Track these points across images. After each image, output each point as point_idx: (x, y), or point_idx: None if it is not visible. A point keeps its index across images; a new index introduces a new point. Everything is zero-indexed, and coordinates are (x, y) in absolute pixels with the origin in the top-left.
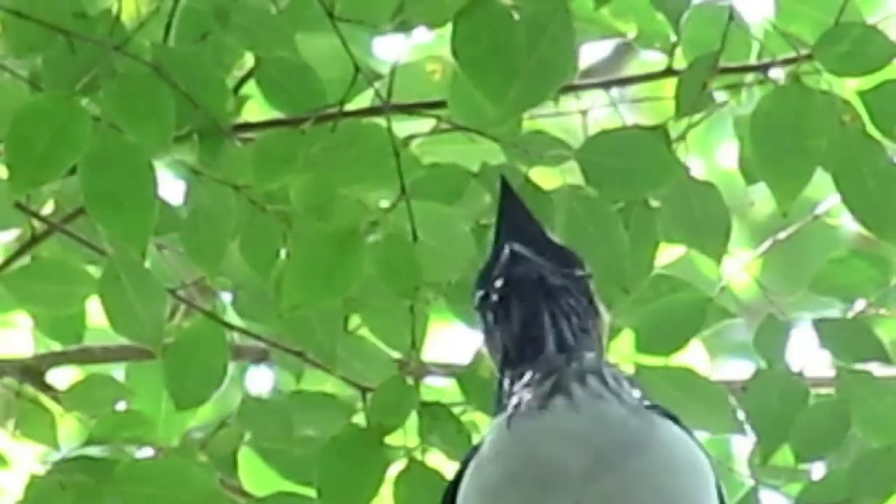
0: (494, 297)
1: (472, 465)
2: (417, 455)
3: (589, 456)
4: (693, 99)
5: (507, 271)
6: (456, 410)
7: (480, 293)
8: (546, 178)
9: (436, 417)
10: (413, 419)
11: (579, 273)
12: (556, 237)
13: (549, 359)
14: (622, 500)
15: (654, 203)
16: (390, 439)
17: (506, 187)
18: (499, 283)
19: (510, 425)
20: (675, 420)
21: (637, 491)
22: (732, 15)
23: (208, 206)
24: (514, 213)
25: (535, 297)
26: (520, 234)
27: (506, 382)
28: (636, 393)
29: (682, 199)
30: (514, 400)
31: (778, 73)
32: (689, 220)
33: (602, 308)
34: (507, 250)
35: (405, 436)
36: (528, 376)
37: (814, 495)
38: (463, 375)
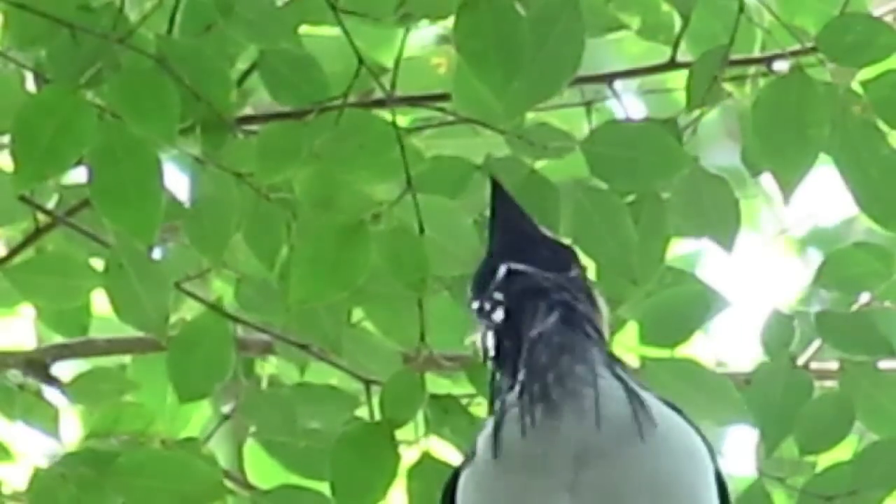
0: (490, 308)
1: (468, 465)
2: (428, 448)
3: (580, 441)
4: (704, 91)
5: (505, 287)
6: (465, 402)
7: (476, 304)
8: (552, 170)
9: (446, 410)
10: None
11: (573, 274)
12: (548, 232)
13: (545, 347)
14: (614, 485)
15: (664, 195)
16: (400, 433)
17: (496, 185)
18: (498, 297)
19: (503, 419)
20: (677, 411)
21: (630, 475)
22: (742, 7)
23: (212, 194)
24: (507, 211)
25: (534, 303)
26: (513, 234)
27: (504, 381)
28: (636, 383)
29: (691, 192)
30: (509, 396)
31: (782, 66)
32: (699, 212)
33: (600, 301)
34: (503, 269)
35: (416, 429)
36: (522, 373)
37: (818, 487)
38: (471, 367)
